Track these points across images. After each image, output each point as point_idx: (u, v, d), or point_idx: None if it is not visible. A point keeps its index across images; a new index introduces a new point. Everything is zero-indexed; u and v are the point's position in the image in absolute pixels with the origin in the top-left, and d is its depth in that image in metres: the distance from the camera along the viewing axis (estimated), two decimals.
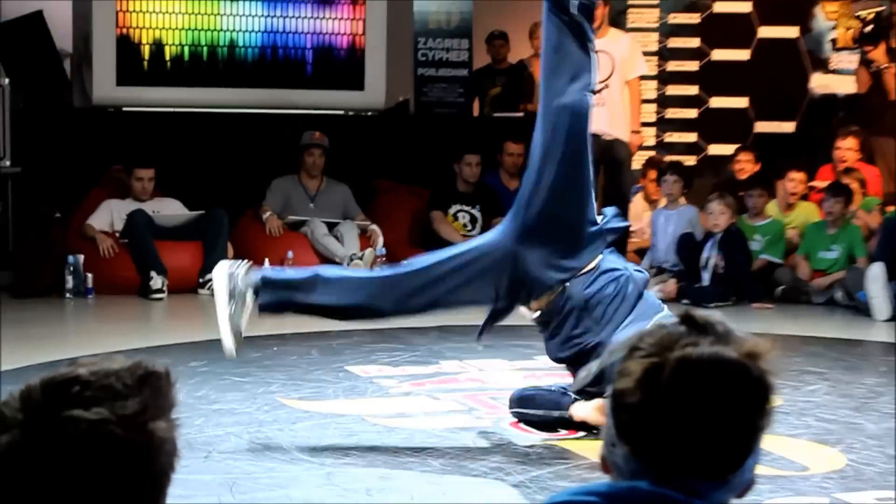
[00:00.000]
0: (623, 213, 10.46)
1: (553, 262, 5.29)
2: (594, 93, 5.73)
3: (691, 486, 1.73)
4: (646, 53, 12.16)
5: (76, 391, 1.56)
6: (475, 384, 6.45)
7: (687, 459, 1.73)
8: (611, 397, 1.80)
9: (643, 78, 11.58)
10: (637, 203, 11.00)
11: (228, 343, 5.38)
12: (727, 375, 1.71)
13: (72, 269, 9.31)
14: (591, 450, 5.18)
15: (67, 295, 9.27)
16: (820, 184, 10.54)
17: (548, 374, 6.68)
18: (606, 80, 10.36)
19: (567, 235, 5.33)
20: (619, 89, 10.32)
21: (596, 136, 10.38)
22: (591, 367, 2.05)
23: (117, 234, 9.63)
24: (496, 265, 5.33)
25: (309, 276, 5.42)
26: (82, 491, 1.54)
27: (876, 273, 8.69)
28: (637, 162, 11.17)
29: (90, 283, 9.32)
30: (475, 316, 8.31)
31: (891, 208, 10.14)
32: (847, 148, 10.60)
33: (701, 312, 1.83)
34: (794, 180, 10.16)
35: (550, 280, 5.30)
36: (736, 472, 1.76)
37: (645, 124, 12.15)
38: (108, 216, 9.73)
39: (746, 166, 10.78)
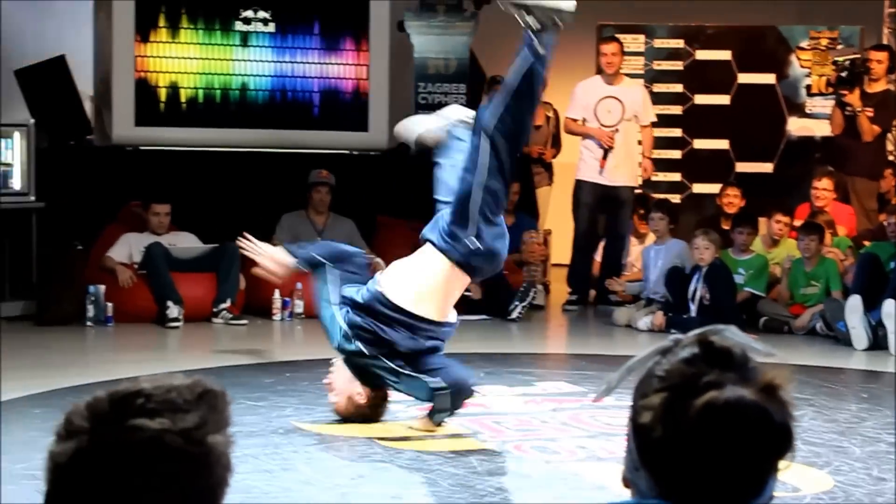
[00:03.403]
0: (619, 250, 10.59)
1: None
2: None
3: None
4: None
5: (140, 403, 1.56)
6: (478, 409, 6.36)
7: (709, 491, 1.68)
8: (632, 428, 1.75)
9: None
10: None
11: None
12: (751, 422, 1.67)
13: (92, 298, 9.24)
14: (592, 471, 5.13)
15: (88, 323, 9.19)
16: (799, 223, 10.51)
17: (545, 399, 6.64)
18: (616, 124, 10.39)
19: None
20: (627, 133, 10.41)
21: (596, 185, 10.44)
22: (612, 381, 1.98)
23: (136, 266, 9.56)
24: None
25: None
26: (142, 498, 1.52)
27: (854, 304, 8.64)
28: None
29: (110, 312, 9.25)
30: (474, 346, 8.29)
31: (866, 244, 10.10)
32: (823, 188, 10.57)
33: (718, 338, 1.77)
34: (781, 222, 10.11)
35: None
36: (757, 498, 1.71)
37: None
38: (127, 249, 9.67)
39: (734, 200, 10.74)
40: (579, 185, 10.61)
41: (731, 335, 1.78)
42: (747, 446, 1.67)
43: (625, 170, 10.54)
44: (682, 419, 1.67)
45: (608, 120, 10.44)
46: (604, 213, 10.63)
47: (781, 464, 1.72)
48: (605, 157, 10.34)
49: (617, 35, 12.13)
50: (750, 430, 1.67)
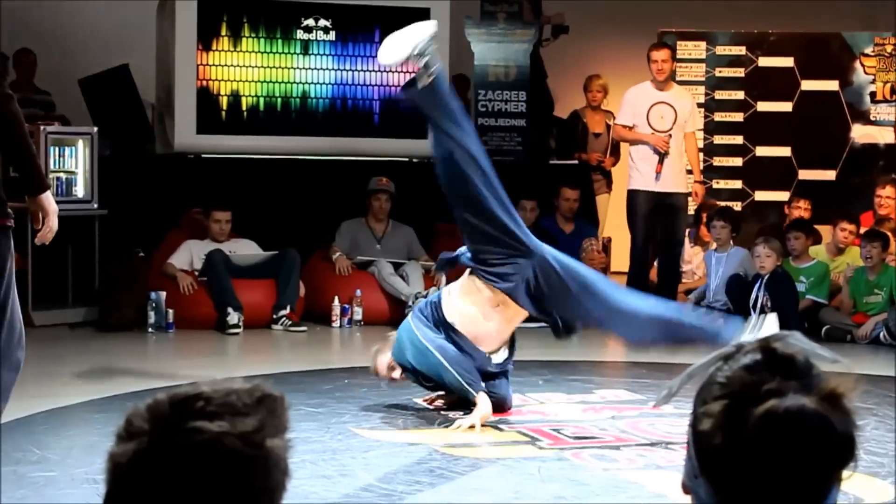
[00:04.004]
0: (676, 256, 10.47)
1: None
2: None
3: None
4: None
5: (200, 406, 1.57)
6: (537, 416, 6.38)
7: (768, 500, 1.66)
8: (692, 435, 1.73)
9: None
10: (686, 245, 10.89)
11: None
12: (811, 432, 1.64)
13: (154, 305, 9.31)
14: (651, 480, 5.10)
15: (149, 330, 9.27)
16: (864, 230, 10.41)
17: (604, 406, 6.62)
18: (669, 130, 10.30)
19: None
20: (680, 139, 10.29)
21: (650, 193, 10.35)
22: (672, 387, 1.98)
23: (196, 273, 9.64)
24: None
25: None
26: (201, 500, 1.53)
27: None
28: (691, 206, 11.13)
29: (171, 319, 9.32)
30: (533, 353, 8.28)
31: None
32: (886, 196, 10.47)
33: (781, 345, 1.74)
34: (846, 230, 10.01)
35: None
36: None
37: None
38: (188, 255, 9.74)
39: (805, 214, 10.66)
40: (633, 195, 10.47)
41: (796, 342, 1.75)
42: (808, 456, 1.65)
43: (677, 176, 10.43)
44: (741, 427, 1.65)
45: (661, 126, 10.33)
46: (659, 220, 10.54)
47: (843, 474, 1.70)
48: (661, 163, 10.24)
49: (679, 42, 12.08)
50: (811, 440, 1.64)
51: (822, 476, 1.67)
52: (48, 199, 4.87)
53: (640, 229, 10.48)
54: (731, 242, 10.08)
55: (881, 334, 9.18)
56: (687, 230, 10.82)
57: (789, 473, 1.65)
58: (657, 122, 10.33)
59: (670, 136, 10.26)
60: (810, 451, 1.64)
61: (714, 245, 10.23)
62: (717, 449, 1.68)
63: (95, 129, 9.95)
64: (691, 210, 11.08)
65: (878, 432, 6.07)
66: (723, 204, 11.39)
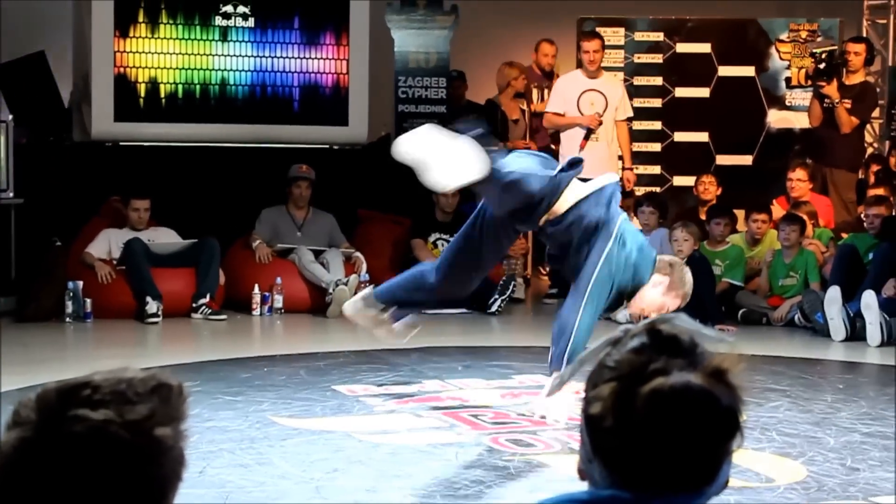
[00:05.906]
0: None
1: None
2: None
3: (668, 499, 1.68)
4: None
5: (87, 394, 1.57)
6: (456, 402, 6.40)
7: (661, 478, 1.69)
8: (584, 419, 1.75)
9: None
10: None
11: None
12: (697, 407, 1.68)
13: (71, 294, 9.22)
14: (566, 463, 5.14)
15: (67, 319, 9.17)
16: (777, 209, 10.54)
17: (523, 392, 6.66)
18: (601, 115, 10.35)
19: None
20: (610, 126, 10.35)
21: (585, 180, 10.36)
22: (564, 375, 2.01)
23: (115, 262, 9.55)
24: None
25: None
26: (86, 489, 1.53)
27: (833, 296, 8.67)
28: None
29: (89, 308, 9.23)
30: (454, 339, 8.31)
31: (844, 235, 10.13)
32: (797, 178, 10.59)
33: (667, 326, 1.77)
34: (758, 221, 10.09)
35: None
36: (710, 484, 1.71)
37: None
38: (106, 244, 9.65)
39: (710, 188, 10.86)
40: None
41: (681, 322, 1.79)
42: (694, 431, 1.67)
43: (608, 163, 10.41)
44: (630, 408, 1.68)
45: (590, 112, 10.37)
46: None
47: (733, 448, 1.73)
48: (586, 139, 10.26)
49: (598, 28, 12.13)
50: (696, 415, 1.67)
51: (710, 450, 1.70)
52: None
53: None
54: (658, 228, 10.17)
55: (796, 317, 9.30)
56: None
57: (678, 449, 1.67)
58: (587, 110, 10.37)
59: (601, 122, 10.31)
60: (697, 425, 1.67)
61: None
62: (608, 431, 1.70)
63: (11, 116, 9.82)
64: None
65: (790, 413, 6.17)
66: (649, 190, 11.50)
